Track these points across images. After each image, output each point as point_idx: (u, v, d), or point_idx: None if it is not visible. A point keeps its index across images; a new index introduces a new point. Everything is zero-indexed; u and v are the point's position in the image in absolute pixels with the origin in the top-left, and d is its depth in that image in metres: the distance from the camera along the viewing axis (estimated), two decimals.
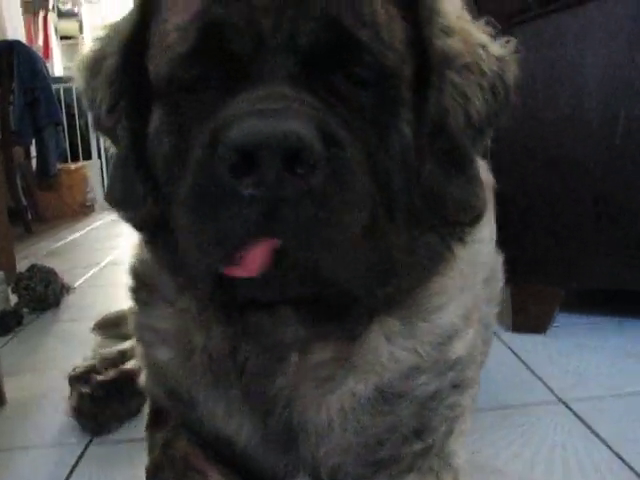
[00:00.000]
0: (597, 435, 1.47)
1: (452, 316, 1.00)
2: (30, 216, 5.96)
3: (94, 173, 7.11)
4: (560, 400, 1.67)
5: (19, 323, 2.62)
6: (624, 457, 1.37)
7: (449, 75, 0.85)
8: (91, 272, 3.71)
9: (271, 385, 0.93)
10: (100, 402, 1.55)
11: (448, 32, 0.87)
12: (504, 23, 1.98)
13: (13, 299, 2.79)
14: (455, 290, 1.00)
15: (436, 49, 0.84)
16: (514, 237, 2.11)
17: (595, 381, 1.76)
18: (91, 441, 1.60)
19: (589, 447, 1.43)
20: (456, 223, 0.91)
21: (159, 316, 1.03)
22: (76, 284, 3.31)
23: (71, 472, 1.48)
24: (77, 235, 5.40)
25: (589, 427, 1.51)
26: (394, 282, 0.87)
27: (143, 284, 1.06)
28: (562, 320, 2.22)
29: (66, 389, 1.71)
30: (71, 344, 2.41)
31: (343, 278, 0.75)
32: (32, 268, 2.82)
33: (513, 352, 2.02)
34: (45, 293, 2.78)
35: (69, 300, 2.99)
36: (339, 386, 0.94)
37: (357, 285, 0.78)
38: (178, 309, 1.00)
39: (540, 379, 1.81)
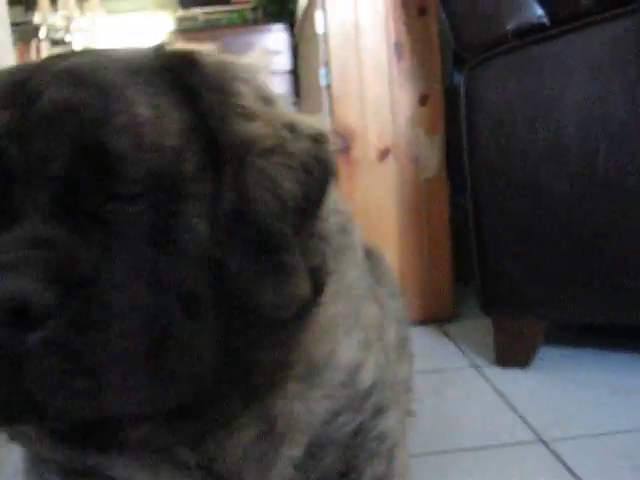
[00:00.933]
0: (576, 476, 1.43)
1: (349, 350, 0.94)
2: None
3: None
4: (540, 439, 1.62)
5: None
6: None
7: (251, 161, 0.77)
8: None
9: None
10: None
11: (247, 115, 0.79)
12: (480, 54, 2.00)
13: None
14: (337, 330, 0.93)
15: (232, 135, 0.77)
16: (493, 270, 2.09)
17: (577, 419, 1.72)
18: None
19: None
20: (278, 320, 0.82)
21: None
22: None
23: None
24: None
25: (569, 468, 1.47)
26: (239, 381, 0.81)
27: None
28: (546, 353, 2.18)
29: None
30: None
31: (126, 407, 0.70)
32: None
33: (494, 388, 1.98)
34: None
35: None
36: (279, 457, 0.91)
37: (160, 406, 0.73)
38: None
39: (521, 417, 1.76)
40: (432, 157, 2.57)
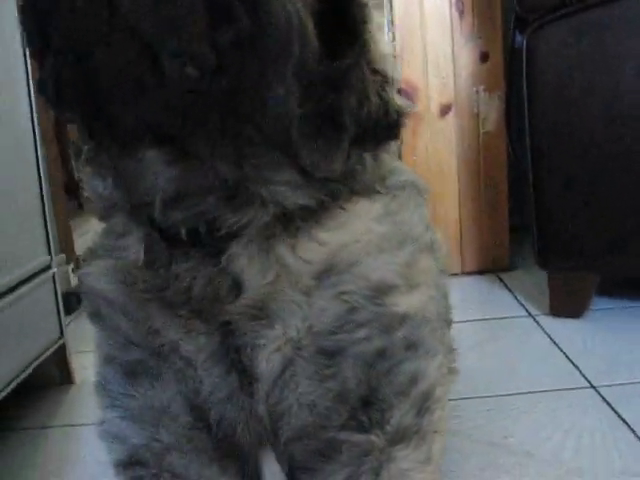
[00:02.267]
0: (624, 421, 1.56)
1: (384, 268, 0.88)
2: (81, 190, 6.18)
3: None
4: (591, 386, 1.76)
5: (79, 302, 2.81)
6: None
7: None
8: None
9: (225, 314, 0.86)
10: None
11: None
12: (543, 17, 2.06)
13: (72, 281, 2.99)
14: (374, 244, 0.89)
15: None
16: (549, 225, 2.18)
17: (627, 368, 1.84)
18: None
19: (616, 433, 1.52)
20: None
21: (105, 264, 0.91)
22: None
23: None
24: None
25: (617, 413, 1.60)
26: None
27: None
28: (599, 303, 2.29)
29: None
30: None
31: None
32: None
33: (548, 337, 2.11)
34: None
35: None
36: (271, 330, 0.86)
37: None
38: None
39: (573, 364, 1.90)
40: (491, 112, 2.64)
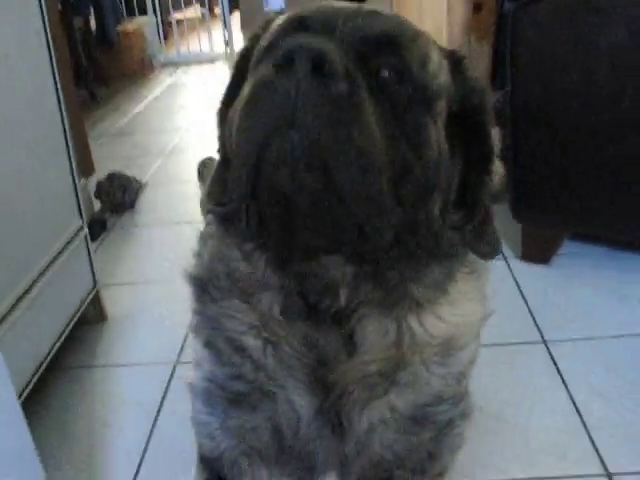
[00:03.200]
0: (562, 379, 1.91)
1: (470, 354, 1.20)
2: (91, 76, 6.27)
3: (150, 31, 7.32)
4: (543, 341, 2.09)
5: (104, 228, 3.11)
6: (576, 401, 1.81)
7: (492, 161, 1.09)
8: (158, 163, 4.11)
9: (334, 376, 1.11)
10: None
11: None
12: None
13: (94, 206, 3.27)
14: (474, 327, 1.20)
15: (489, 140, 1.07)
16: (524, 184, 2.43)
17: (579, 322, 2.15)
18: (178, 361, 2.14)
19: (553, 390, 1.87)
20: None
21: (237, 309, 1.14)
22: (146, 178, 3.75)
23: (166, 390, 2.01)
24: (141, 107, 5.72)
25: (559, 371, 1.94)
26: (411, 243, 1.02)
27: (208, 284, 1.19)
28: (568, 247, 2.58)
29: (161, 304, 2.30)
30: (153, 251, 2.92)
31: (344, 187, 0.86)
32: (111, 176, 3.27)
33: (517, 284, 2.41)
34: (123, 198, 3.25)
35: (143, 200, 3.47)
36: (382, 397, 1.13)
37: (360, 211, 0.89)
38: (253, 305, 1.12)
39: (532, 316, 2.22)
40: (480, 61, 2.80)
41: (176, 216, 3.25)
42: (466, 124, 1.07)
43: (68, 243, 2.09)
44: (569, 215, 2.39)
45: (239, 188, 0.92)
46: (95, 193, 3.25)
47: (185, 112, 5.39)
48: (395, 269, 1.04)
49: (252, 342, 1.15)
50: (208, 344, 1.21)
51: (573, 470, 1.60)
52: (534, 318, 2.21)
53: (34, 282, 1.86)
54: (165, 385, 2.02)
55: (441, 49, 1.08)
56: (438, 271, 1.10)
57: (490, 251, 1.12)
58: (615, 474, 1.57)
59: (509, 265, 2.55)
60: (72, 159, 2.14)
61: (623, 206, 2.26)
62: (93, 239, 2.95)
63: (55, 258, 2.00)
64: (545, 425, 1.75)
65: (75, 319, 2.12)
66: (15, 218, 1.79)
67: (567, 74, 2.20)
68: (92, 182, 3.32)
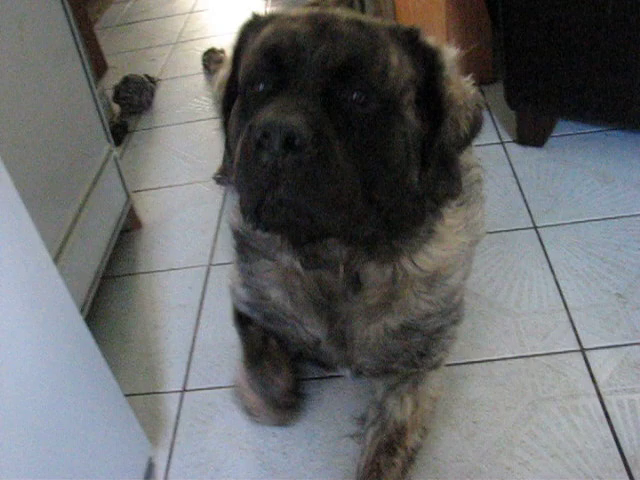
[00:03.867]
0: (549, 264, 2.16)
1: (458, 278, 1.53)
2: None
3: None
4: (534, 227, 2.31)
5: (126, 132, 3.29)
6: (560, 285, 2.07)
7: (451, 112, 1.26)
8: (166, 55, 4.16)
9: (340, 309, 1.46)
10: None
11: (449, 81, 1.27)
12: None
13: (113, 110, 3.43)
14: (461, 256, 1.50)
15: (445, 96, 1.25)
16: (517, 71, 2.54)
17: (568, 206, 2.35)
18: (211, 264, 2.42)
19: (541, 275, 2.12)
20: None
21: (264, 268, 1.51)
22: (157, 74, 3.85)
23: (203, 292, 2.30)
24: None
25: (547, 255, 2.19)
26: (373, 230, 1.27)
27: (245, 244, 1.55)
28: (563, 128, 2.73)
29: (186, 208, 2.57)
30: (173, 152, 3.13)
31: (321, 219, 1.13)
32: (126, 80, 3.40)
33: (512, 168, 2.60)
34: (140, 100, 3.40)
35: (158, 97, 3.62)
36: (379, 320, 1.48)
37: (332, 225, 1.16)
38: (276, 263, 1.47)
39: (525, 201, 2.43)
40: None
41: (191, 114, 3.43)
42: (429, 89, 1.26)
43: (103, 166, 2.31)
44: (560, 102, 2.54)
45: (249, 215, 1.19)
46: (113, 98, 3.40)
47: None
48: (386, 244, 1.29)
49: (274, 294, 1.49)
50: (244, 285, 1.59)
51: (553, 348, 1.89)
52: (527, 204, 2.42)
53: (80, 210, 2.10)
54: (202, 288, 2.31)
55: (400, 36, 1.24)
56: (424, 229, 1.34)
57: (448, 192, 1.33)
58: (587, 349, 1.87)
59: (505, 149, 2.73)
60: (93, 89, 2.30)
61: (613, 92, 2.40)
62: (117, 144, 3.14)
63: (94, 184, 2.23)
64: (532, 309, 2.02)
65: (117, 232, 2.38)
66: (56, 156, 2.00)
67: None
68: (106, 82, 3.48)
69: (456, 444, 1.70)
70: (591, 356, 1.84)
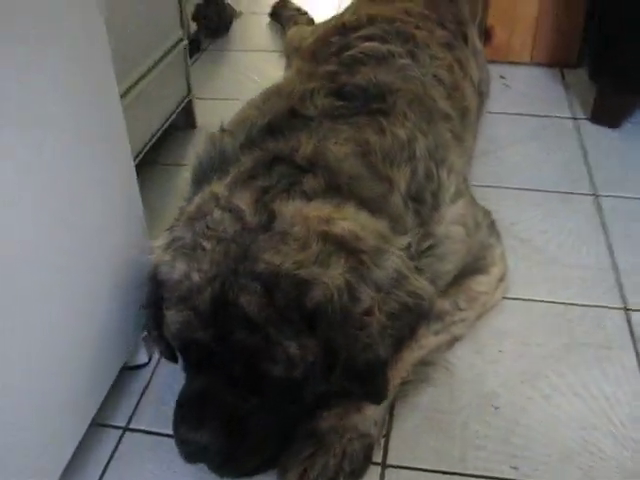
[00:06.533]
0: (604, 229, 2.06)
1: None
2: None
3: None
4: (595, 194, 2.22)
5: (198, 49, 3.28)
6: (613, 247, 1.98)
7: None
8: None
9: None
10: None
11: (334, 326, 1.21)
12: None
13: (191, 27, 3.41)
14: None
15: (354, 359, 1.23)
16: (605, 47, 2.47)
17: (632, 184, 2.25)
18: None
19: (594, 236, 2.02)
20: None
21: None
22: (240, 7, 3.84)
23: None
24: None
25: (603, 221, 2.09)
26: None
27: None
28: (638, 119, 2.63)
29: None
30: (241, 73, 3.10)
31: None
32: (208, 0, 3.39)
33: (581, 142, 2.51)
34: (218, 22, 3.39)
35: (236, 27, 3.60)
36: None
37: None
38: None
39: (589, 171, 2.34)
40: None
41: (264, 44, 3.40)
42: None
43: (171, 49, 2.29)
44: None
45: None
46: (193, 15, 3.38)
47: None
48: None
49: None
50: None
51: (597, 301, 1.79)
52: (590, 175, 2.33)
53: (141, 77, 2.08)
54: None
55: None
56: None
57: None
58: (631, 309, 1.77)
59: (578, 125, 2.63)
60: None
61: None
62: (190, 56, 3.12)
63: (159, 61, 2.21)
64: (581, 263, 1.93)
65: (170, 120, 2.35)
66: (127, 22, 1.98)
67: None
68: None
69: (476, 367, 1.62)
70: (634, 317, 1.74)
